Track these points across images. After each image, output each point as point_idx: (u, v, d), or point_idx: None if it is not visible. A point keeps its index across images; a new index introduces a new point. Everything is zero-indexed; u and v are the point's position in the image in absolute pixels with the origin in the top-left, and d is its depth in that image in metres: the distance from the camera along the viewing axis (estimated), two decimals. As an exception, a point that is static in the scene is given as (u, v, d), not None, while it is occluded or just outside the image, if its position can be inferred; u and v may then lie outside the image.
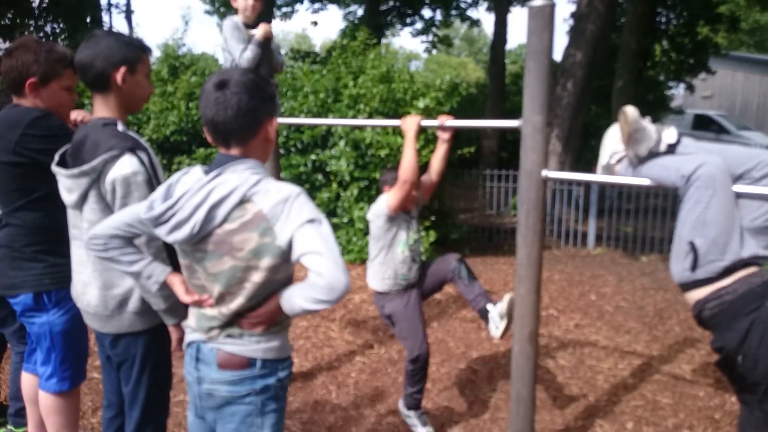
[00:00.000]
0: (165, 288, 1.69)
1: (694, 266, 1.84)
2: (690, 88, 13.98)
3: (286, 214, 1.40)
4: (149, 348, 1.88)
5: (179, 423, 2.92)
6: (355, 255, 5.74)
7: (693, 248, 1.82)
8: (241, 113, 1.41)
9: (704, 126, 16.60)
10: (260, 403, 1.54)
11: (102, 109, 1.83)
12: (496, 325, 2.68)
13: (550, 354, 3.81)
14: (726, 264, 1.80)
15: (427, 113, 5.76)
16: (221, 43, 3.69)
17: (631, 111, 1.96)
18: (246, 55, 3.31)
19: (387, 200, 2.75)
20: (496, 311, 2.70)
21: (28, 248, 2.05)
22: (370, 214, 2.84)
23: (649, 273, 5.86)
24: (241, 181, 1.42)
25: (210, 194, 1.41)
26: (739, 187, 1.85)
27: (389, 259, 2.78)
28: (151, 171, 1.78)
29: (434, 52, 17.58)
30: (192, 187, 1.44)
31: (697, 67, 12.84)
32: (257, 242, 1.41)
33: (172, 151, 6.76)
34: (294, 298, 1.42)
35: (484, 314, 2.75)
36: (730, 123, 16.62)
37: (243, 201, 1.42)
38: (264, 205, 1.41)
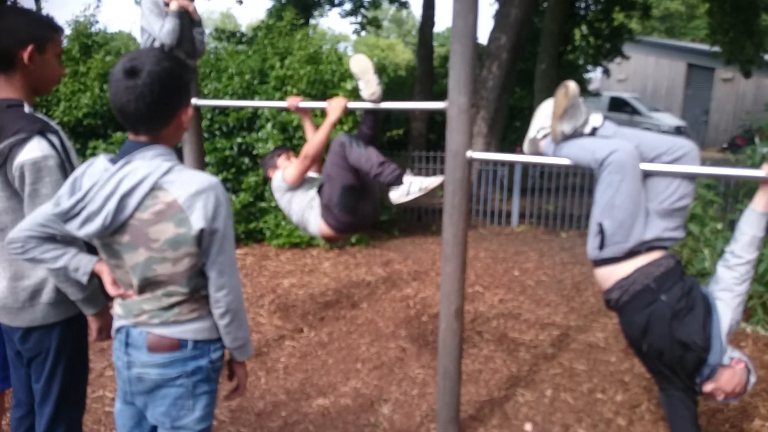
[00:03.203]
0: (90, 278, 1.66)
1: (602, 245, 1.99)
2: (606, 71, 14.66)
3: (202, 205, 1.39)
4: (64, 340, 1.80)
5: (98, 420, 2.81)
6: (284, 239, 5.68)
7: (601, 229, 1.98)
8: (153, 105, 1.36)
9: (619, 108, 17.51)
10: (191, 385, 1.53)
11: (5, 89, 1.70)
12: (407, 192, 2.51)
13: (475, 329, 3.94)
14: (630, 246, 1.95)
15: (356, 95, 5.75)
16: (141, 22, 3.51)
17: (573, 86, 2.03)
18: (166, 28, 3.16)
19: (284, 176, 2.79)
20: (420, 183, 2.52)
21: None
22: (273, 189, 2.88)
23: (568, 248, 6.16)
24: (152, 168, 1.38)
25: (120, 184, 1.37)
26: (648, 165, 1.98)
27: (310, 201, 2.79)
28: (64, 155, 1.69)
29: (363, 33, 17.47)
30: (101, 177, 1.39)
31: (613, 51, 13.48)
32: (173, 233, 1.39)
33: (86, 135, 6.39)
34: (229, 342, 1.58)
35: (397, 181, 2.53)
36: (642, 105, 17.61)
37: (154, 189, 1.38)
38: (179, 194, 1.38)
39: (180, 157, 3.13)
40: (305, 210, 2.78)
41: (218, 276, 1.47)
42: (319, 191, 2.73)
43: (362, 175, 2.63)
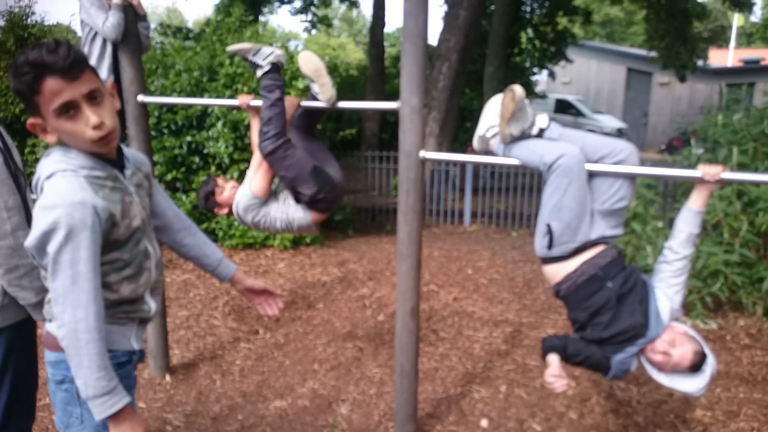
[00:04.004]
0: (37, 280, 1.63)
1: (550, 245, 2.07)
2: (552, 74, 15.12)
3: (40, 222, 1.27)
4: (11, 346, 1.73)
5: (46, 428, 2.69)
6: (237, 240, 5.58)
7: (549, 230, 2.06)
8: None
9: (564, 109, 18.09)
10: (75, 392, 1.40)
11: None
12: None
13: (431, 327, 3.99)
14: (576, 245, 2.05)
15: (308, 93, 5.70)
16: (81, 15, 3.37)
17: (519, 90, 2.06)
18: (110, 22, 3.05)
19: (252, 189, 2.59)
20: (268, 55, 2.50)
21: None
22: (242, 213, 2.62)
23: (518, 246, 6.31)
24: (44, 169, 1.34)
25: (40, 176, 1.36)
26: (593, 166, 2.06)
27: (285, 200, 2.66)
28: (6, 153, 1.62)
29: (314, 32, 17.36)
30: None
31: (558, 55, 13.94)
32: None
33: (24, 132, 6.08)
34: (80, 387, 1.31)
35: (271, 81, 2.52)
36: (585, 107, 18.27)
37: (40, 190, 1.34)
38: (37, 203, 1.31)
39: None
40: (288, 211, 2.63)
41: (52, 303, 1.32)
42: (297, 200, 2.63)
43: (309, 146, 2.63)
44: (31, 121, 1.30)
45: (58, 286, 1.28)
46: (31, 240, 1.27)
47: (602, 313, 2.02)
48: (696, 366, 1.96)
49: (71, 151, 1.34)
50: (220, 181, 2.73)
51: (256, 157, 2.60)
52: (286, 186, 2.60)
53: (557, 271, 2.10)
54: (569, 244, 2.04)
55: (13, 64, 1.25)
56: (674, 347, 1.96)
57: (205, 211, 5.60)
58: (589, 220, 2.05)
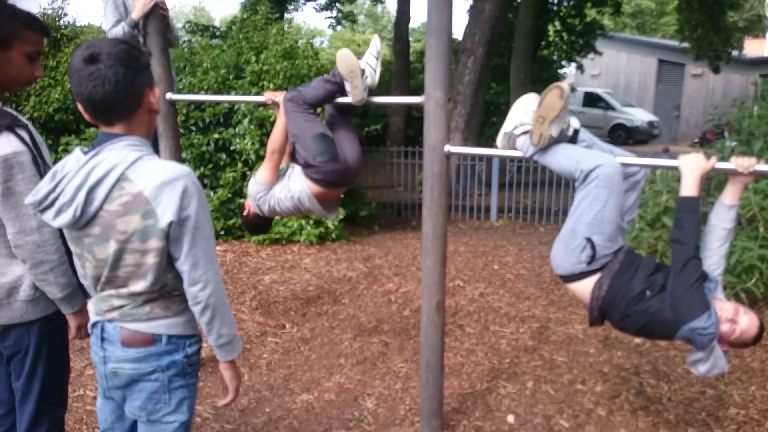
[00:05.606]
0: (62, 276, 1.67)
1: (592, 260, 2.00)
2: (580, 67, 14.88)
3: (168, 197, 1.36)
4: (43, 338, 1.78)
5: (80, 419, 2.77)
6: (263, 235, 5.64)
7: (591, 244, 1.98)
8: (120, 86, 1.35)
9: (593, 103, 17.79)
10: (167, 380, 1.52)
11: None
12: (374, 69, 2.58)
13: (457, 323, 3.97)
14: (613, 253, 2.04)
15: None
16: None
17: (567, 87, 1.98)
18: (114, 32, 3.11)
19: (257, 179, 2.66)
20: (371, 56, 2.58)
21: None
22: (253, 199, 2.69)
23: (546, 242, 6.23)
24: (120, 159, 1.37)
25: (89, 175, 1.36)
26: (625, 159, 2.04)
27: (289, 176, 2.68)
28: (35, 150, 1.65)
29: (339, 28, 17.39)
30: (72, 168, 1.38)
31: (586, 47, 13.70)
32: (140, 225, 1.37)
33: (58, 131, 6.25)
34: (213, 340, 1.53)
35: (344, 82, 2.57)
36: (615, 100, 17.93)
37: (121, 180, 1.36)
38: (145, 185, 1.36)
39: (156, 152, 3.08)
40: (290, 185, 2.62)
41: (192, 269, 1.42)
42: (294, 159, 2.65)
43: (335, 120, 2.66)
44: (155, 91, 1.47)
45: (200, 250, 1.43)
46: (173, 214, 1.36)
47: (660, 270, 1.99)
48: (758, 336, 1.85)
49: (138, 138, 1.43)
50: (245, 204, 2.88)
51: (268, 146, 2.62)
52: (289, 139, 2.61)
53: (591, 281, 2.05)
54: (609, 256, 2.02)
55: (134, 45, 1.42)
56: (739, 315, 1.86)
57: (233, 208, 5.69)
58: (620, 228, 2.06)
